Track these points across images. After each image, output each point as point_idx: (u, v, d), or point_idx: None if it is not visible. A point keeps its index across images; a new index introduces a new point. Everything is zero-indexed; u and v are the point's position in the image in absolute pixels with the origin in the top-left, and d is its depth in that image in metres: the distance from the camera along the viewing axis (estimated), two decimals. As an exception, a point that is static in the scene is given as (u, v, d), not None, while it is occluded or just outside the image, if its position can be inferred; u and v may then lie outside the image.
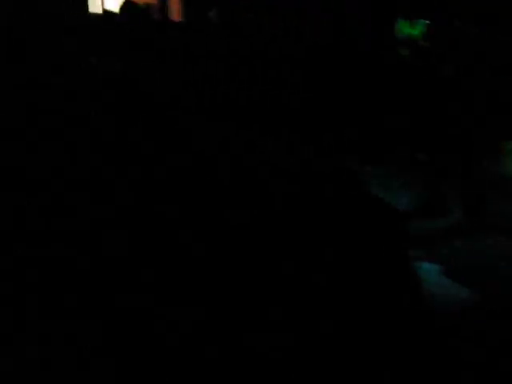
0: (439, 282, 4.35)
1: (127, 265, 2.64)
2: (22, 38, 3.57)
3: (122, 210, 2.71)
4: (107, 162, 2.83)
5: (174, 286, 2.64)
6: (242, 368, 2.60)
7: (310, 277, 2.76)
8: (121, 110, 3.10)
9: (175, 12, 6.89)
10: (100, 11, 6.29)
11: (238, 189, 2.85)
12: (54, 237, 2.68)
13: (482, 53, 5.51)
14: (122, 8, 5.30)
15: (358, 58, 5.59)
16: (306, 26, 5.74)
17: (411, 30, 5.29)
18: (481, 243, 4.85)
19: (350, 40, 5.82)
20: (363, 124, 5.48)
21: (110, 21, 5.44)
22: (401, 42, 5.35)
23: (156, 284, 2.64)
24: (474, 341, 3.57)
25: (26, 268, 2.64)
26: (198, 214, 2.75)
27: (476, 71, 5.42)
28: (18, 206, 2.74)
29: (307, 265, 2.78)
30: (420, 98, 5.23)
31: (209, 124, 3.54)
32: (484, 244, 4.83)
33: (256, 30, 5.73)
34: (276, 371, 2.60)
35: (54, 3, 3.93)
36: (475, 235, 4.94)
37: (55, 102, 3.11)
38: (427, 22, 5.26)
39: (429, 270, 4.46)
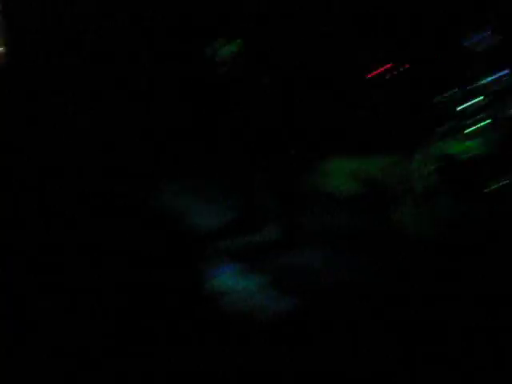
0: (261, 294, 4.34)
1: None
2: None
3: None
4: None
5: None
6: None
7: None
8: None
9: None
10: None
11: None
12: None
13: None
14: None
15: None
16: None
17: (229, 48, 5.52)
18: (302, 255, 4.87)
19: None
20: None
21: None
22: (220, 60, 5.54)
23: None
24: (296, 349, 3.70)
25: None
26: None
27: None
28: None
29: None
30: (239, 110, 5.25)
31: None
32: (305, 256, 4.86)
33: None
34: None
35: None
36: (297, 247, 4.97)
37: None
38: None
39: (250, 282, 4.47)
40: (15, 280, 4.11)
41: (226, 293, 4.27)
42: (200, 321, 3.93)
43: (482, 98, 5.57)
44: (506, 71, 5.38)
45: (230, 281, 4.44)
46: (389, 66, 7.36)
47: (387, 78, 7.31)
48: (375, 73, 7.42)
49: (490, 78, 5.59)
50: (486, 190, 5.20)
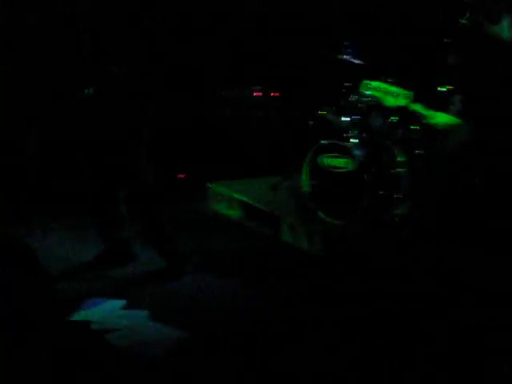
0: (147, 327, 4.16)
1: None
2: None
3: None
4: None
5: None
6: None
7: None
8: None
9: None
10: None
11: None
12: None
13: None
14: None
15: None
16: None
17: None
18: (189, 284, 4.76)
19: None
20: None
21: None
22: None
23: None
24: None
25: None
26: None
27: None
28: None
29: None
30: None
31: None
32: (194, 284, 4.76)
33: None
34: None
35: None
36: (182, 276, 4.84)
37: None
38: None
39: (136, 315, 4.28)
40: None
41: (110, 330, 4.03)
42: (86, 360, 3.67)
43: (355, 114, 5.66)
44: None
45: (113, 317, 4.21)
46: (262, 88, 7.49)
47: (263, 98, 7.41)
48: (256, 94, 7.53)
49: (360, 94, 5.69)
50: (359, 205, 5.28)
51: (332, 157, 5.57)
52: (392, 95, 5.03)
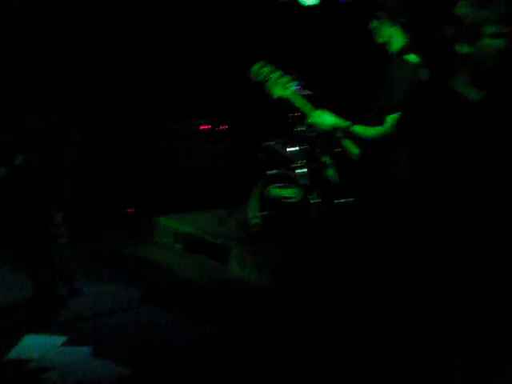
0: (88, 364, 3.98)
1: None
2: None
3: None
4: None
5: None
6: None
7: None
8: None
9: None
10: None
11: None
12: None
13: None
14: None
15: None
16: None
17: None
18: (133, 318, 4.65)
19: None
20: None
21: None
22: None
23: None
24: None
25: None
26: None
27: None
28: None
29: None
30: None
31: None
32: (137, 319, 4.64)
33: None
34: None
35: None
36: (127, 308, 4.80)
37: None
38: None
39: (76, 353, 4.11)
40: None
41: (49, 368, 3.85)
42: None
43: (301, 145, 5.64)
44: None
45: (53, 355, 4.02)
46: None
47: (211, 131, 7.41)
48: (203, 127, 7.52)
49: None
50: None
51: (279, 187, 5.53)
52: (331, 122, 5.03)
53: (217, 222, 6.24)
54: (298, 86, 5.58)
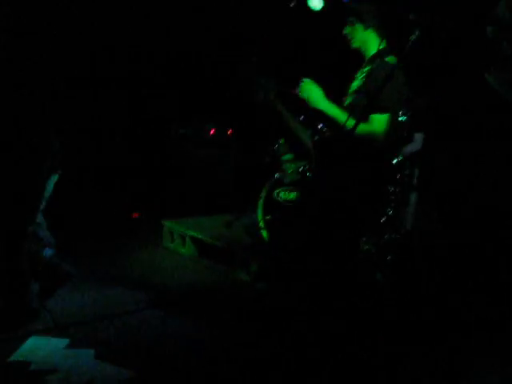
0: (92, 367, 3.96)
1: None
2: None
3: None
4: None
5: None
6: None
7: None
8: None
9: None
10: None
11: None
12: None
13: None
14: None
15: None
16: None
17: None
18: (139, 321, 4.61)
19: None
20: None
21: None
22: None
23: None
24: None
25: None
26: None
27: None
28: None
29: None
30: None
31: None
32: (144, 322, 4.61)
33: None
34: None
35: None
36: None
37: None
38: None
39: (80, 355, 4.09)
40: None
41: (52, 371, 3.83)
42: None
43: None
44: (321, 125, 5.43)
45: (57, 357, 4.00)
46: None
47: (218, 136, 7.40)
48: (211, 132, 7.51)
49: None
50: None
51: (287, 190, 5.52)
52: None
53: (224, 226, 6.26)
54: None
